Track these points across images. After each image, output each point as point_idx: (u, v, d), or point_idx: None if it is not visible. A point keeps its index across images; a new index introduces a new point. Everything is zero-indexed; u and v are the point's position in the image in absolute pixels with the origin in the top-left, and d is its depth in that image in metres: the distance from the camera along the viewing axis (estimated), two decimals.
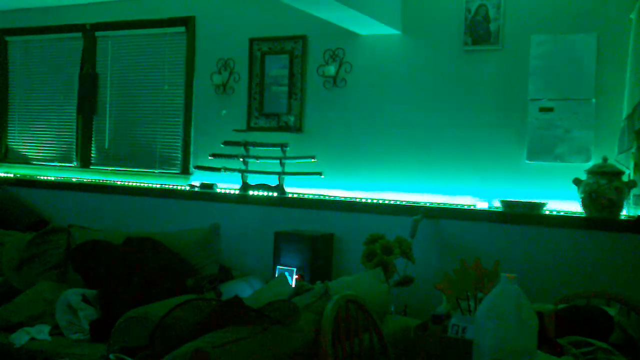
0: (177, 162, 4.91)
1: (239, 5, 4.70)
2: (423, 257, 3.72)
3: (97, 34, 5.24)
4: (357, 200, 4.15)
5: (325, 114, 4.38)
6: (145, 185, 4.92)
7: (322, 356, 2.09)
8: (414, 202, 3.99)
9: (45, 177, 5.37)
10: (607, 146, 3.59)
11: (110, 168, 5.19)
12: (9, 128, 5.67)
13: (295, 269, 3.86)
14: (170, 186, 4.82)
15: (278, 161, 4.38)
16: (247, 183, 4.47)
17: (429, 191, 4.03)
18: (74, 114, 5.33)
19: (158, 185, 4.87)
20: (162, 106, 5.00)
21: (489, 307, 1.78)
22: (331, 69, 4.30)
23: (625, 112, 3.50)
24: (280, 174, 4.37)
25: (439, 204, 3.95)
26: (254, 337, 1.99)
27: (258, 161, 4.46)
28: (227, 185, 4.58)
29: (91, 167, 5.27)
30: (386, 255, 3.54)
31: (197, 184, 4.66)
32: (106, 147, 5.23)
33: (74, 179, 5.25)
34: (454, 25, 4.00)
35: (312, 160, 4.33)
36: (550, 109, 3.77)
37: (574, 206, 3.61)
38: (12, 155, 5.65)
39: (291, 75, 4.47)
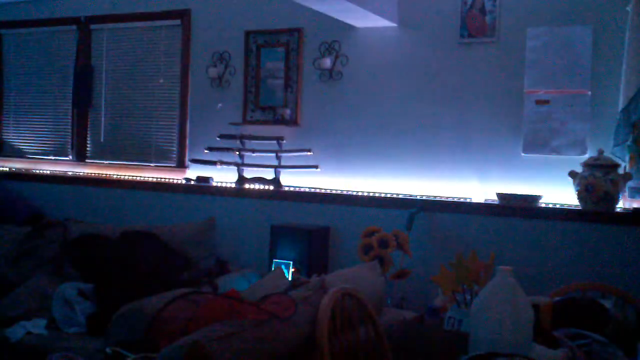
0: (173, 155, 4.90)
1: None
2: (419, 250, 3.73)
3: (93, 26, 5.21)
4: (354, 193, 4.15)
5: (322, 106, 4.38)
6: (141, 178, 4.91)
7: (319, 349, 2.09)
8: (410, 195, 3.99)
9: (41, 171, 5.36)
10: (603, 139, 3.59)
11: (106, 161, 5.17)
12: (3, 121, 5.65)
13: (291, 262, 3.86)
14: (166, 180, 4.81)
15: (274, 154, 4.38)
16: (243, 176, 4.46)
17: (425, 184, 4.03)
18: (69, 107, 5.31)
19: (154, 179, 4.86)
20: (157, 99, 4.98)
21: (485, 299, 1.78)
22: (327, 62, 4.29)
23: (621, 104, 3.51)
24: (277, 167, 4.37)
25: (435, 197, 3.95)
26: (250, 330, 1.99)
27: (254, 154, 4.46)
28: (223, 178, 4.58)
29: (87, 160, 5.26)
30: (383, 248, 3.55)
31: (193, 177, 4.66)
32: (102, 140, 5.22)
33: (69, 173, 5.24)
34: (450, 18, 3.99)
35: (308, 153, 4.33)
36: (546, 102, 3.77)
37: (569, 199, 3.62)
38: (7, 149, 5.63)
39: (287, 68, 4.46)
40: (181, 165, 4.83)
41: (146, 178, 4.90)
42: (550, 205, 3.67)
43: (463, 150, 3.97)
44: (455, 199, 3.90)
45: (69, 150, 5.33)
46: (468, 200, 3.88)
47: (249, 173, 4.47)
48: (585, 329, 2.18)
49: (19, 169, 5.48)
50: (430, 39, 4.07)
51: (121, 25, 5.10)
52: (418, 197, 3.94)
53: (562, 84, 3.74)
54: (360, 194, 4.12)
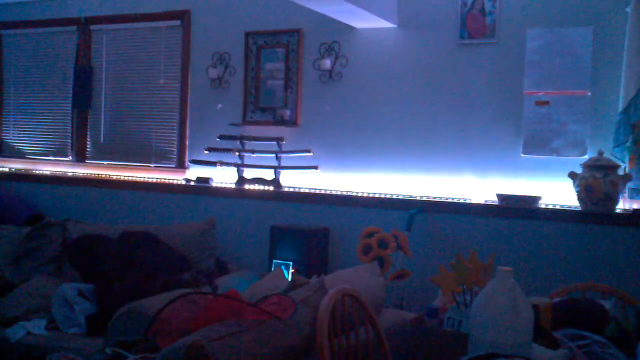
0: (172, 156, 4.90)
1: None
2: (419, 250, 3.73)
3: (93, 27, 5.22)
4: (353, 194, 4.15)
5: (321, 107, 4.38)
6: (141, 179, 4.91)
7: (318, 350, 2.09)
8: (409, 196, 3.99)
9: (41, 171, 5.36)
10: (603, 140, 3.59)
11: (105, 162, 5.17)
12: (3, 122, 5.65)
13: (291, 263, 3.87)
14: (166, 180, 4.81)
15: (274, 155, 4.38)
16: (243, 177, 4.46)
17: (425, 185, 4.03)
18: (69, 108, 5.31)
19: (154, 180, 4.86)
20: (157, 100, 4.98)
21: (484, 300, 1.78)
22: (327, 63, 4.30)
23: (621, 105, 3.51)
24: (276, 168, 4.37)
25: (434, 197, 3.95)
26: (250, 331, 1.99)
27: (254, 155, 4.46)
28: (223, 179, 4.58)
29: (86, 161, 5.26)
30: (382, 249, 3.55)
31: (193, 178, 4.66)
32: (101, 141, 5.22)
33: (69, 173, 5.24)
34: (450, 19, 3.99)
35: (308, 154, 4.33)
36: (546, 103, 3.77)
37: (569, 200, 3.62)
38: (7, 149, 5.63)
39: (287, 69, 4.46)
40: (181, 166, 4.83)
41: (146, 179, 4.90)
42: (550, 206, 3.67)
43: (463, 151, 3.97)
44: (455, 200, 3.90)
45: (69, 150, 5.33)
46: (468, 201, 3.88)
47: (248, 174, 4.47)
48: (585, 329, 2.18)
49: (19, 169, 5.48)
50: (430, 40, 4.07)
51: (121, 26, 5.10)
52: (417, 198, 3.95)
53: (562, 84, 3.74)
54: (359, 194, 4.12)
